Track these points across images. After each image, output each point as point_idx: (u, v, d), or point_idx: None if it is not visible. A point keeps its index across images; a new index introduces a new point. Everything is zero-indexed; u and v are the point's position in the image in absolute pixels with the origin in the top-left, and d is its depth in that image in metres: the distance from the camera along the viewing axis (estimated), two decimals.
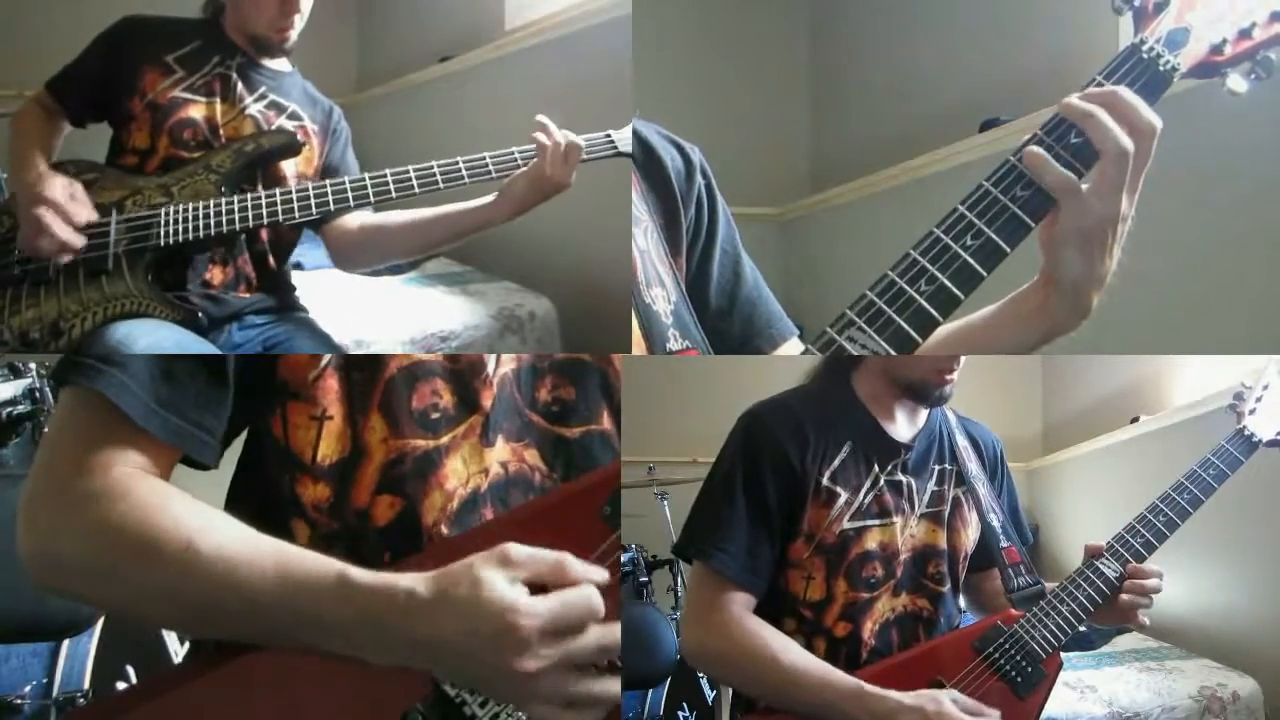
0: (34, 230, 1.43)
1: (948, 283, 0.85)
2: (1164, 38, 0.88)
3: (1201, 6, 0.88)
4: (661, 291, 1.08)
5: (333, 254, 1.68)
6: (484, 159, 1.51)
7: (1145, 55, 0.88)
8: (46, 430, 0.84)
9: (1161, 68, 0.87)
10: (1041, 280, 0.92)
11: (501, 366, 0.88)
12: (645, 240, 1.10)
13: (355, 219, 1.65)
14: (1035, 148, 0.85)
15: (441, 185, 1.52)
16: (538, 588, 0.74)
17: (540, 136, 1.46)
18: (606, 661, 0.77)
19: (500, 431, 0.87)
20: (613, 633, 0.76)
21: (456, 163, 1.51)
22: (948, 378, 1.23)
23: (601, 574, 0.77)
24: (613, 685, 0.76)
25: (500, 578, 0.73)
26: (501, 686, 0.74)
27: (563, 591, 0.74)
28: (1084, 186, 0.85)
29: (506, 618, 0.71)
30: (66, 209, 1.44)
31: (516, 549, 0.74)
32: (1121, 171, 0.83)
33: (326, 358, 0.84)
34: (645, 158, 1.15)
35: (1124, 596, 1.24)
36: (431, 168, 1.51)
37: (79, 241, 1.45)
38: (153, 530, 0.75)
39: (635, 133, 1.16)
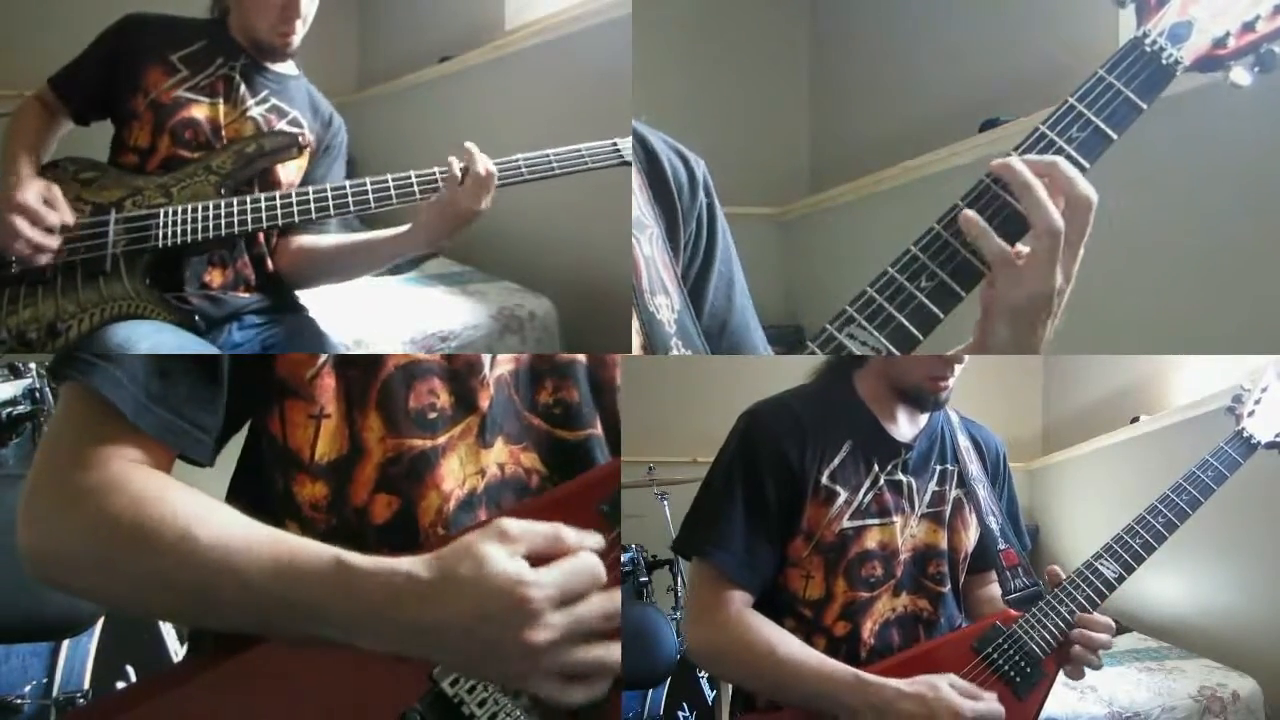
0: (8, 235, 1.45)
1: (948, 280, 0.85)
2: (1167, 31, 0.88)
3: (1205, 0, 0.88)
4: (665, 300, 1.07)
5: (277, 269, 1.67)
6: None
7: (1148, 49, 0.87)
8: (48, 426, 0.85)
9: (1164, 61, 0.87)
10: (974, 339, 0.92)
11: (498, 367, 0.88)
12: (650, 247, 1.08)
13: (295, 239, 1.66)
14: (971, 213, 0.85)
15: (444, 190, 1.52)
16: (535, 561, 0.74)
17: (451, 161, 1.47)
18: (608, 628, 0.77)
19: (499, 433, 0.87)
20: (613, 598, 0.76)
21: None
22: (941, 384, 1.23)
23: (596, 539, 0.77)
24: (614, 650, 0.76)
25: (501, 552, 0.73)
26: (506, 664, 0.74)
27: (565, 560, 0.75)
28: (1027, 249, 0.84)
29: (517, 590, 0.72)
30: (38, 212, 1.45)
31: (511, 523, 0.75)
32: (1054, 247, 0.83)
33: (324, 356, 0.84)
34: (650, 165, 1.14)
35: (1074, 649, 1.21)
36: (434, 173, 1.51)
37: (51, 243, 1.46)
38: (150, 520, 0.76)
39: (641, 139, 1.15)
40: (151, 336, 1.42)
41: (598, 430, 0.90)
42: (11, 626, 1.64)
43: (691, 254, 1.16)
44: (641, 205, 1.10)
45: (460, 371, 0.86)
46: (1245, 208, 1.99)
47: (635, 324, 1.03)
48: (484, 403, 0.86)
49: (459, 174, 1.47)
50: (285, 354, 0.85)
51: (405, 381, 0.85)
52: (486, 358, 0.87)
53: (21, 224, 1.44)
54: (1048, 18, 2.57)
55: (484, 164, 1.47)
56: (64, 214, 1.48)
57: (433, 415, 0.85)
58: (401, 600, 0.73)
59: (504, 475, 0.86)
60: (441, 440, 0.85)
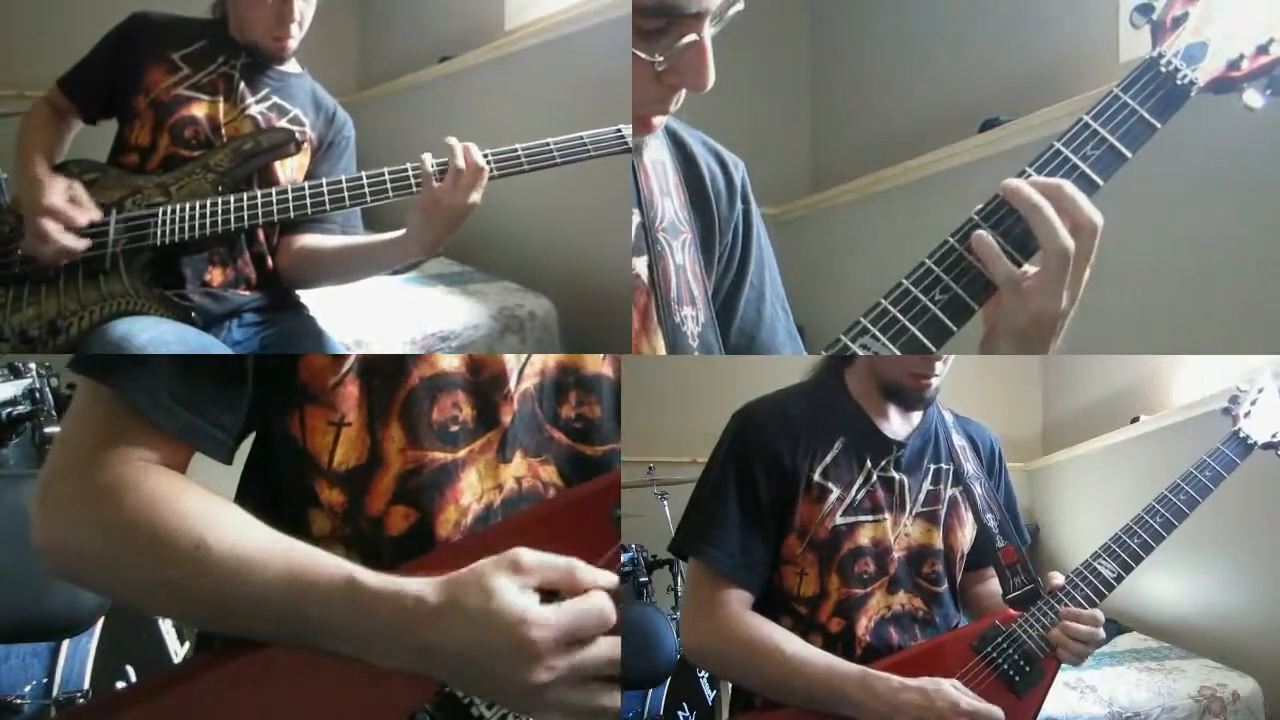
0: (37, 238, 1.45)
1: (961, 293, 0.85)
2: (1182, 52, 0.88)
3: (1219, 21, 0.88)
4: (692, 311, 1.06)
5: (278, 269, 1.65)
6: (484, 156, 1.48)
7: (1163, 69, 0.88)
8: (63, 421, 0.84)
9: (1179, 82, 0.87)
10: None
11: (524, 382, 0.86)
12: (683, 255, 1.06)
13: (298, 239, 1.64)
14: (984, 234, 0.85)
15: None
16: (548, 593, 0.73)
17: (425, 158, 1.43)
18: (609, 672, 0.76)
19: (518, 447, 0.85)
20: (615, 644, 0.75)
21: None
22: (924, 382, 1.23)
23: (611, 579, 0.76)
24: (614, 696, 0.76)
25: (511, 586, 0.72)
26: (508, 695, 0.74)
27: (576, 601, 0.74)
28: (1034, 270, 0.84)
29: (519, 630, 0.71)
30: (67, 213, 1.46)
31: (527, 555, 0.74)
32: (1063, 269, 0.83)
33: (348, 363, 0.83)
34: (688, 170, 1.11)
35: (1053, 632, 1.23)
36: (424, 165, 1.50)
37: (80, 245, 1.47)
38: (163, 526, 0.75)
39: (680, 142, 1.12)
40: (150, 330, 1.43)
41: (620, 444, 0.89)
42: (11, 626, 1.64)
43: (725, 266, 1.14)
44: (677, 209, 1.08)
45: (484, 385, 0.85)
46: (1245, 209, 1.99)
47: (659, 334, 1.02)
48: (506, 418, 0.85)
49: (431, 170, 1.42)
50: (308, 358, 0.83)
51: (429, 394, 0.83)
52: (513, 370, 0.86)
53: (52, 228, 1.44)
54: (1048, 18, 2.57)
55: (465, 158, 1.40)
56: (90, 210, 1.48)
57: (455, 428, 0.83)
58: (408, 622, 0.72)
59: (521, 489, 0.85)
60: (462, 454, 0.83)
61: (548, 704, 0.73)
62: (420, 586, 0.73)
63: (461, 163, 1.40)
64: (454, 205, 1.41)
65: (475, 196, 1.41)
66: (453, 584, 0.73)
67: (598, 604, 0.74)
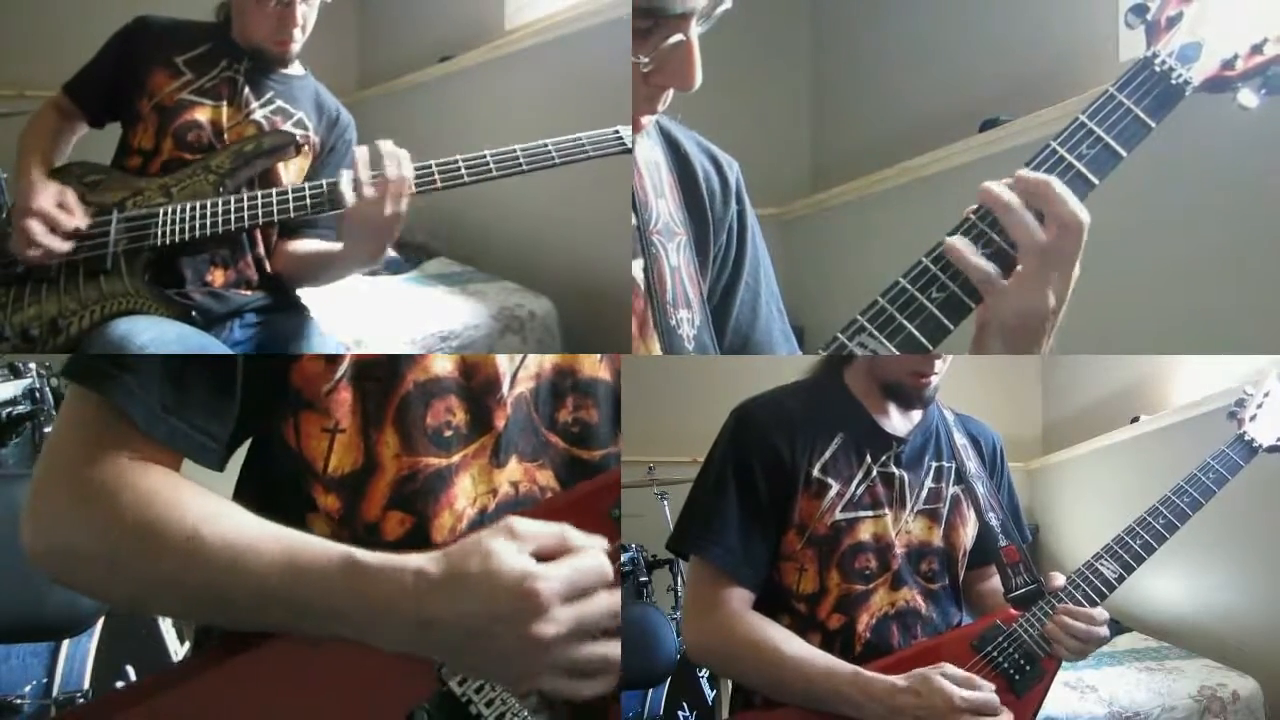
0: (23, 240, 1.46)
1: (958, 291, 0.85)
2: (1176, 52, 0.88)
3: (1214, 21, 0.88)
4: (688, 314, 1.06)
5: (274, 271, 1.66)
6: (484, 156, 1.48)
7: (1158, 69, 0.88)
8: (54, 425, 0.84)
9: (1174, 81, 0.87)
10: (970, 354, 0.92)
11: (518, 386, 0.86)
12: (678, 257, 1.06)
13: (287, 243, 1.65)
14: (956, 240, 0.85)
15: (440, 185, 1.50)
16: (543, 560, 0.74)
17: (342, 174, 1.42)
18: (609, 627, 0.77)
19: (514, 452, 0.85)
20: (616, 598, 0.76)
21: (455, 161, 1.48)
22: (923, 380, 1.23)
23: (604, 541, 0.77)
24: (615, 648, 0.76)
25: (510, 547, 0.73)
26: (514, 661, 0.73)
27: (574, 556, 0.75)
28: (1018, 269, 0.84)
29: (525, 584, 0.71)
30: (54, 217, 1.46)
31: (520, 522, 0.74)
32: (1040, 266, 0.82)
33: (341, 369, 0.83)
34: (682, 170, 1.11)
35: (1048, 626, 1.23)
36: (429, 166, 1.49)
37: (63, 247, 1.47)
38: (157, 520, 0.75)
39: (675, 143, 1.12)
40: (150, 329, 1.43)
41: (617, 448, 0.89)
42: (11, 626, 1.65)
43: (720, 266, 1.14)
44: (672, 210, 1.08)
45: (477, 390, 0.85)
46: (1240, 208, 1.99)
47: (655, 336, 1.02)
48: (499, 422, 0.85)
49: (345, 193, 1.41)
50: (301, 365, 0.83)
51: (423, 399, 0.83)
52: (506, 374, 0.86)
53: (37, 229, 1.45)
54: (1047, 18, 2.57)
55: (399, 170, 1.39)
56: (78, 218, 1.49)
57: (448, 434, 0.84)
58: (411, 597, 0.72)
59: (518, 494, 0.85)
60: (455, 459, 0.83)
61: (553, 664, 0.73)
62: (420, 561, 0.73)
63: (392, 174, 1.39)
64: (379, 218, 1.40)
65: (394, 208, 1.40)
66: (451, 554, 0.73)
67: (596, 558, 0.75)
